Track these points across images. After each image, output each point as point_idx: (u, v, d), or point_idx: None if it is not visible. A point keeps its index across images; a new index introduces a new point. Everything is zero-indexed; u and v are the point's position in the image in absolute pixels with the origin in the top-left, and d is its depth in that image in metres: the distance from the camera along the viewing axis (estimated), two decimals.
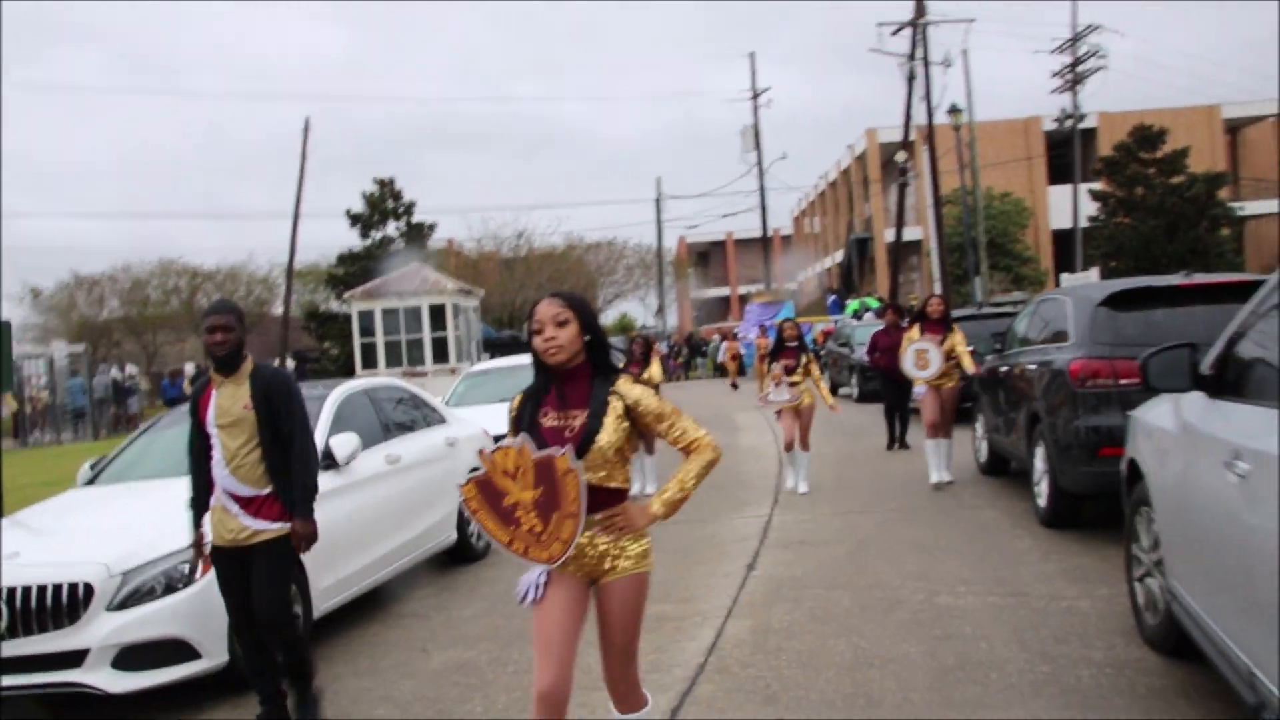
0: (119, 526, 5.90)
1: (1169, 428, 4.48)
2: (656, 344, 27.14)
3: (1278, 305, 3.61)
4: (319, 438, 6.78)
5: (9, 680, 5.16)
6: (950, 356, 10.10)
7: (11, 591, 5.16)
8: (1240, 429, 3.57)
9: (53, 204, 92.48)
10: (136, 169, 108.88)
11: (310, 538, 4.85)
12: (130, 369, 29.99)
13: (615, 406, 3.36)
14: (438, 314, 20.76)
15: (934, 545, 7.58)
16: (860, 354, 20.15)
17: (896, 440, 13.32)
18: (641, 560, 3.43)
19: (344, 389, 7.48)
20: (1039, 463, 7.98)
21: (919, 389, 10.53)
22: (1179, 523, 4.27)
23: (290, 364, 29.96)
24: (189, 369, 29.07)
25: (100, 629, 5.15)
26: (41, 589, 5.17)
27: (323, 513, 5.00)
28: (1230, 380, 3.97)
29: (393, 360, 20.52)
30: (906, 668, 5.01)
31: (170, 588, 5.33)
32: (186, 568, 5.38)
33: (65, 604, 5.16)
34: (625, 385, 3.41)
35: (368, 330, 21.14)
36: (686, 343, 44.54)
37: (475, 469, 3.38)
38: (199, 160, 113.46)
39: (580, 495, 3.21)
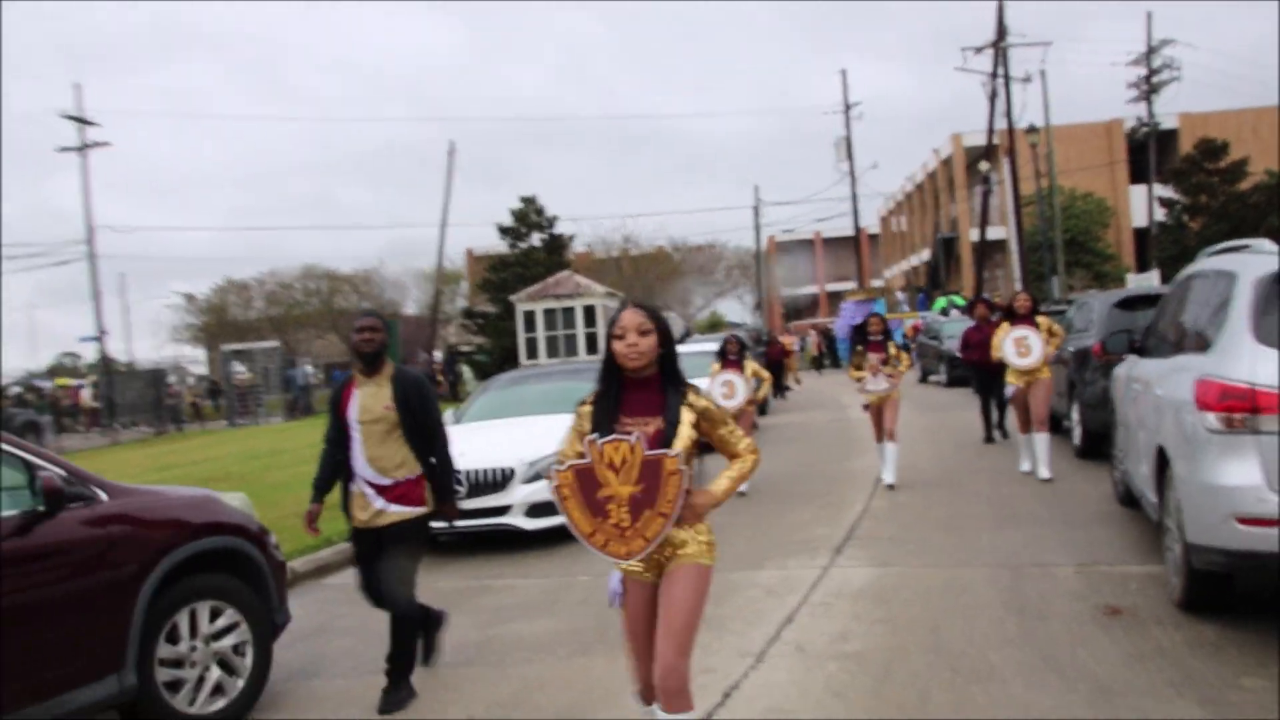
0: (505, 441, 10.03)
1: (1121, 376, 8.37)
2: (788, 340, 30.52)
3: (1164, 305, 7.52)
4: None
5: (467, 524, 9.35)
6: (1051, 335, 10.69)
7: (468, 473, 9.34)
8: (1140, 371, 7.45)
9: (169, 214, 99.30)
10: (249, 174, 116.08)
11: (455, 514, 5.73)
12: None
13: (687, 416, 3.60)
14: (589, 313, 25.08)
15: (999, 469, 11.46)
16: (949, 345, 23.97)
17: (996, 429, 13.92)
18: (705, 552, 3.66)
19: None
20: (1075, 414, 11.83)
21: (1010, 389, 10.91)
22: (1123, 427, 8.16)
23: (438, 357, 35.02)
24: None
25: (518, 494, 9.31)
26: (482, 471, 9.35)
27: None
28: (1148, 348, 7.84)
29: (552, 352, 24.87)
30: (978, 517, 8.95)
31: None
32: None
33: (498, 480, 9.33)
34: (695, 396, 3.66)
35: (530, 327, 25.63)
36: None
37: (577, 458, 3.60)
38: (310, 163, 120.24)
39: (678, 498, 3.48)
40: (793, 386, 27.88)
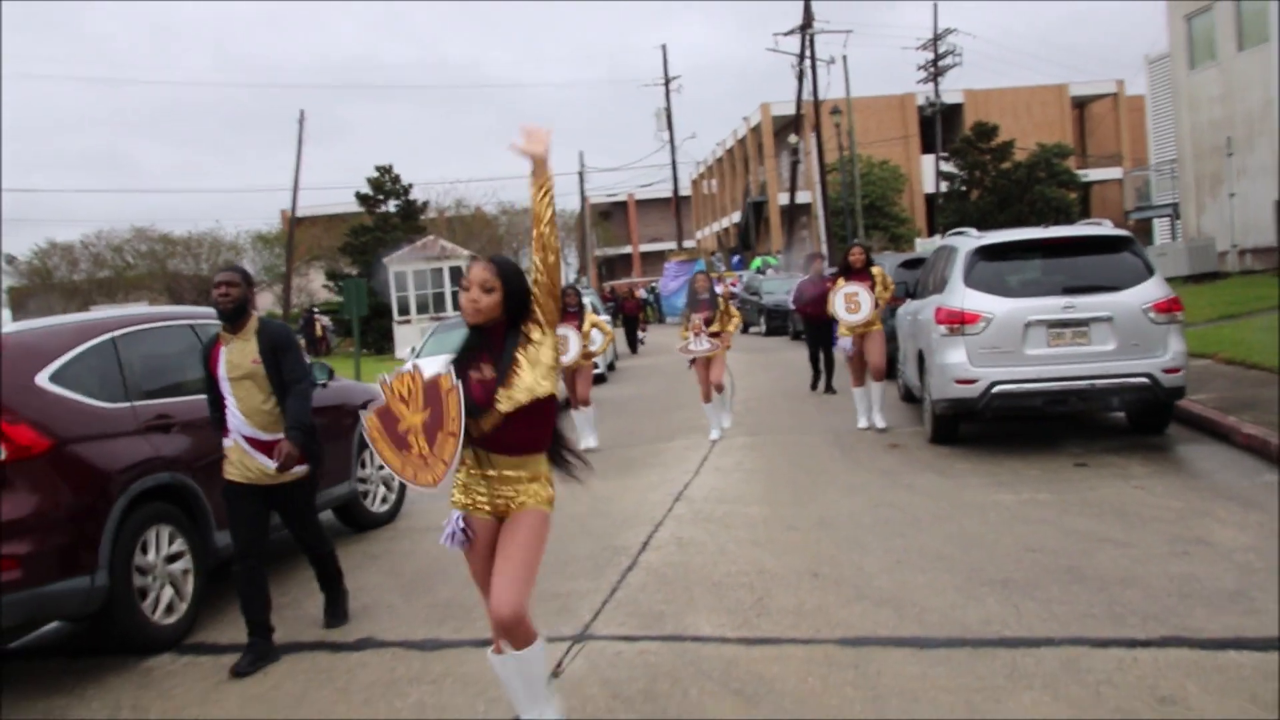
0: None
1: (900, 313, 12.98)
2: (636, 293, 34.74)
3: (926, 265, 12.15)
4: None
5: None
6: (885, 288, 11.47)
7: None
8: (912, 307, 12.01)
9: None
10: (24, 122, 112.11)
11: (292, 457, 5.52)
12: None
13: (524, 349, 3.80)
14: (456, 273, 28.71)
15: (822, 388, 16.13)
16: (767, 300, 28.84)
17: (821, 382, 15.30)
18: (545, 502, 3.93)
19: None
20: None
21: (845, 343, 11.55)
22: (902, 349, 12.77)
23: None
24: None
25: None
26: None
27: None
28: (916, 293, 12.39)
29: (422, 309, 28.44)
30: (810, 412, 13.50)
31: None
32: None
33: None
34: (532, 329, 3.84)
35: (402, 286, 29.16)
36: (611, 296, 52.61)
37: (374, 400, 3.85)
38: (98, 114, 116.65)
39: (459, 413, 3.65)
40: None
